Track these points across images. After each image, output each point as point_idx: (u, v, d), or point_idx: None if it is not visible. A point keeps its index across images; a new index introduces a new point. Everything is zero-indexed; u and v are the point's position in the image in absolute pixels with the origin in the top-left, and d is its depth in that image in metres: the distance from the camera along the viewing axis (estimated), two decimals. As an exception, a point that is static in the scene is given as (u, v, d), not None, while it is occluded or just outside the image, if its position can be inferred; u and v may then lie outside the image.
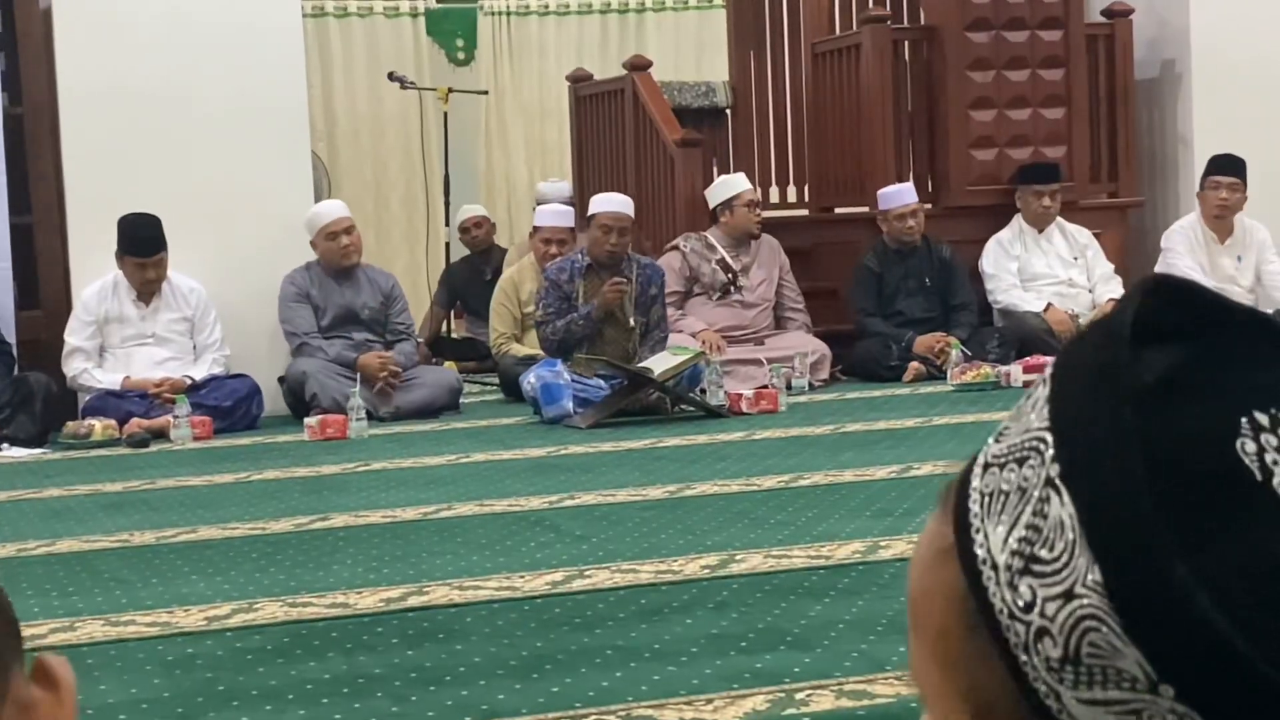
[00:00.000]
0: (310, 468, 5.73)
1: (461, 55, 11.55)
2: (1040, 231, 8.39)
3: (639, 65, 8.90)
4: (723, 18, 10.59)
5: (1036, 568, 0.56)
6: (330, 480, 5.46)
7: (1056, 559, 0.56)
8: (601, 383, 6.81)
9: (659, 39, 11.66)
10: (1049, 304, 8.17)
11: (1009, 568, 0.57)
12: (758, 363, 7.49)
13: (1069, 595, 0.55)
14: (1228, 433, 0.55)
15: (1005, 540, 0.57)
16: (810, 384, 7.51)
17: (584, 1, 11.77)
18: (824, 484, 4.86)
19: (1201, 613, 0.53)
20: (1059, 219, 8.43)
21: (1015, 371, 7.32)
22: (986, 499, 0.59)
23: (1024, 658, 0.56)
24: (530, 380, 6.80)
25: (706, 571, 3.67)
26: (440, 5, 11.43)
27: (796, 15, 9.33)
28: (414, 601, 3.51)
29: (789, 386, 7.17)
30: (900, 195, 8.08)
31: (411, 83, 9.90)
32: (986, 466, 0.60)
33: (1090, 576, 0.55)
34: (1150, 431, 0.55)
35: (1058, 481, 0.56)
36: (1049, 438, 0.57)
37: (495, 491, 4.98)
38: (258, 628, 3.36)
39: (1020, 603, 0.56)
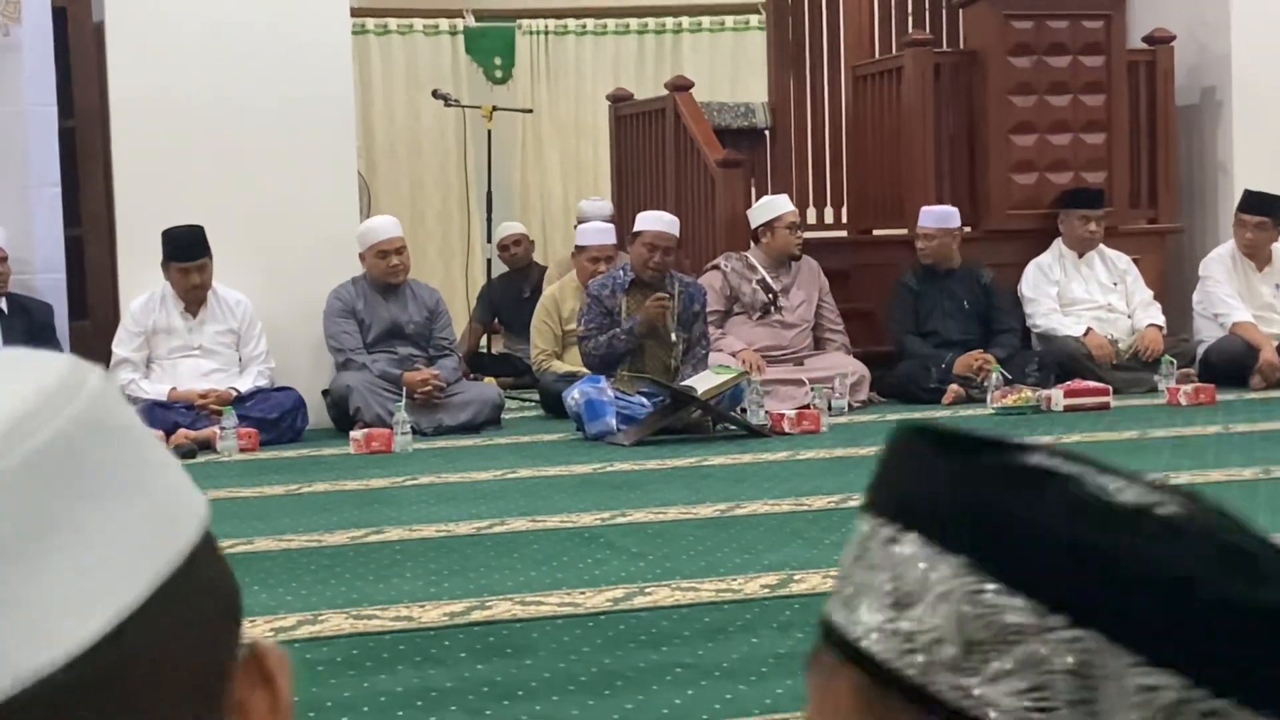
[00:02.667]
0: (359, 481, 5.76)
1: (499, 74, 11.61)
2: (1080, 256, 8.40)
3: (681, 85, 8.93)
4: (759, 39, 10.64)
5: (907, 604, 0.60)
6: (380, 494, 5.49)
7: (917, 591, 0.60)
8: (644, 400, 6.83)
9: (695, 59, 11.69)
10: (1089, 328, 8.17)
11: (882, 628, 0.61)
12: (798, 383, 7.50)
13: (943, 598, 0.59)
14: None
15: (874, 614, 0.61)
16: (849, 405, 7.52)
17: (621, 22, 11.83)
18: (874, 505, 4.86)
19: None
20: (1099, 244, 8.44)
21: (1056, 395, 7.33)
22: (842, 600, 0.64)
23: (927, 679, 0.59)
24: (574, 396, 6.82)
25: (767, 591, 3.69)
26: (479, 24, 11.49)
27: (837, 38, 9.37)
28: (477, 616, 3.54)
29: (829, 407, 7.19)
30: (923, 217, 8.10)
31: (456, 100, 9.95)
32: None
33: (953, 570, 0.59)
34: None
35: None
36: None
37: (546, 507, 5.00)
38: (325, 639, 3.39)
39: (907, 636, 0.60)
